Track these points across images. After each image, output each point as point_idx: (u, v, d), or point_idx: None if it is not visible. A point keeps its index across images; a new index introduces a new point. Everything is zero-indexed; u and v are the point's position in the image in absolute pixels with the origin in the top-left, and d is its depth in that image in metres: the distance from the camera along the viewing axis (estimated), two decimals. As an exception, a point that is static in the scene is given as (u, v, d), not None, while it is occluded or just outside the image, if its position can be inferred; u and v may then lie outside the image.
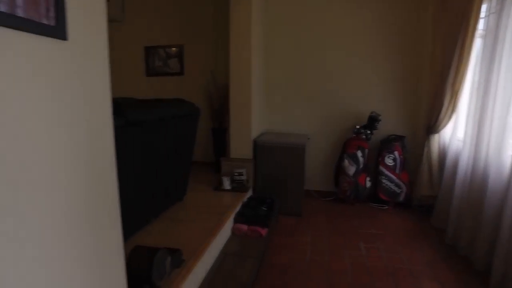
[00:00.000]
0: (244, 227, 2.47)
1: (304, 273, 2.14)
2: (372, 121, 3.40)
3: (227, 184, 2.90)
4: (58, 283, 0.89)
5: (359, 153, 3.36)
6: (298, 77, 3.67)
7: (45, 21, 0.81)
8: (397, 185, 3.29)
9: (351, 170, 3.36)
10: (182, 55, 4.15)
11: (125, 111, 1.65)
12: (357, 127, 3.44)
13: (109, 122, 1.08)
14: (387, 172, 3.31)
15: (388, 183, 3.30)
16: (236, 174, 2.95)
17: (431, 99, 3.04)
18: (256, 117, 3.36)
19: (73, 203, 0.92)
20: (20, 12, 0.74)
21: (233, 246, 2.33)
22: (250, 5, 3.01)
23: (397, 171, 3.29)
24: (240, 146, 3.17)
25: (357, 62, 3.53)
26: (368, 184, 3.39)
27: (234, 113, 3.18)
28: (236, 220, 2.54)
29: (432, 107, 2.99)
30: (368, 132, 3.43)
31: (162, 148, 2.10)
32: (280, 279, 2.07)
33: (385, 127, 3.50)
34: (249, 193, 3.07)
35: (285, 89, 3.73)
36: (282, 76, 3.72)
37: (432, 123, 2.99)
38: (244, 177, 2.97)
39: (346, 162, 3.37)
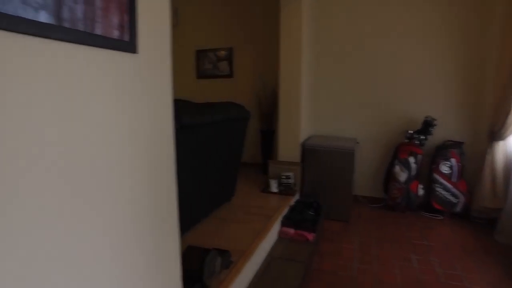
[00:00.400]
0: (291, 231, 2.44)
1: (352, 281, 2.06)
2: (427, 126, 3.18)
3: (274, 187, 2.89)
4: (122, 281, 0.93)
5: (412, 159, 3.16)
6: (347, 79, 3.55)
7: (119, 37, 0.86)
8: (453, 195, 3.04)
9: (403, 176, 3.18)
10: (232, 57, 4.22)
11: (180, 115, 1.70)
12: (410, 131, 3.24)
13: (171, 127, 1.12)
14: (442, 180, 3.07)
15: (443, 191, 3.07)
16: (283, 177, 2.93)
17: (496, 102, 2.77)
18: (304, 120, 3.31)
19: (136, 205, 0.97)
20: (98, 31, 0.79)
21: (280, 249, 2.31)
22: (300, 8, 2.97)
23: (453, 179, 3.04)
24: (288, 149, 3.14)
25: (410, 63, 3.31)
26: (421, 192, 3.18)
27: (282, 116, 3.16)
28: (283, 224, 2.52)
29: (497, 111, 2.72)
30: (422, 137, 3.21)
31: (213, 150, 2.14)
32: (326, 286, 2.01)
33: (441, 132, 3.25)
34: (296, 197, 3.03)
35: (334, 91, 3.62)
36: (330, 78, 3.62)
37: (496, 128, 2.72)
38: (291, 181, 2.94)
39: (397, 168, 3.19)
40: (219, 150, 2.21)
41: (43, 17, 0.66)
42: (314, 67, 3.63)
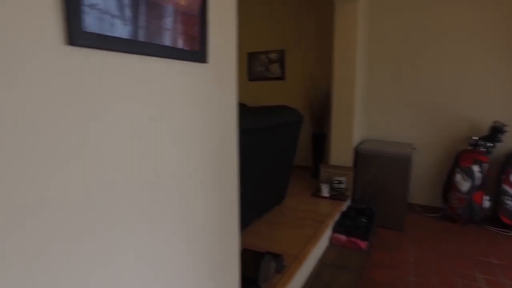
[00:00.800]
0: (343, 237, 2.35)
1: (409, 296, 1.93)
2: (496, 132, 2.87)
3: (325, 191, 2.81)
4: (190, 281, 0.95)
5: (476, 168, 2.87)
6: (404, 81, 3.33)
7: (191, 48, 0.87)
8: (526, 209, 2.71)
9: (465, 186, 2.90)
10: (283, 60, 4.18)
11: (241, 120, 1.71)
12: (475, 138, 2.94)
13: (235, 132, 1.13)
14: (512, 192, 2.76)
15: (514, 205, 2.75)
16: (335, 182, 2.83)
17: None
18: (358, 124, 3.17)
19: (205, 208, 0.98)
20: (174, 43, 0.81)
21: (331, 256, 2.23)
22: (355, 9, 2.85)
23: (527, 192, 2.71)
24: (340, 154, 3.04)
25: (476, 63, 3.01)
26: (487, 204, 2.88)
27: (335, 120, 3.06)
28: (334, 230, 2.44)
29: None
30: (490, 144, 2.90)
31: (268, 154, 2.14)
32: (381, 299, 1.90)
33: (512, 140, 2.92)
34: (348, 202, 2.91)
35: (389, 93, 3.42)
36: (385, 79, 3.42)
37: None
38: (343, 186, 2.83)
39: (458, 176, 2.92)
40: (273, 154, 2.20)
41: (128, 34, 0.69)
42: (368, 68, 3.46)
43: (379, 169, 2.89)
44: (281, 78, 4.18)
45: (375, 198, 2.91)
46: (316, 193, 2.90)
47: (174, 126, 0.83)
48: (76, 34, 0.58)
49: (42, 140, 0.54)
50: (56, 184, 0.57)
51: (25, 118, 0.52)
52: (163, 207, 0.81)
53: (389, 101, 3.42)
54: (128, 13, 0.68)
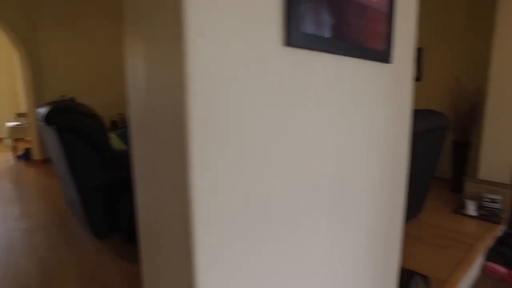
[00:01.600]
0: (502, 269, 1.89)
1: None
2: None
3: (471, 209, 2.33)
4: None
5: None
6: None
7: (379, 48, 0.79)
8: None
9: None
10: (420, 59, 3.68)
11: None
12: None
13: (408, 133, 1.02)
14: None
15: None
16: (487, 199, 2.32)
17: None
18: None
19: (376, 209, 0.90)
20: (366, 44, 0.74)
21: (485, 288, 1.83)
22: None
23: None
24: (494, 167, 2.48)
25: None
26: None
27: (489, 127, 2.51)
28: (488, 257, 2.00)
29: None
30: None
31: (412, 161, 1.88)
32: None
33: None
34: (503, 227, 2.36)
35: None
36: None
37: None
38: (498, 206, 2.30)
39: None
40: (417, 161, 1.93)
41: (330, 34, 0.64)
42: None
43: (552, 191, 2.23)
44: (417, 78, 3.70)
45: (544, 226, 2.26)
46: (459, 210, 2.43)
47: (358, 129, 0.76)
48: (294, 36, 0.56)
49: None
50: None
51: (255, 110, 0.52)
52: (347, 207, 0.76)
53: None
54: (331, 12, 0.63)
